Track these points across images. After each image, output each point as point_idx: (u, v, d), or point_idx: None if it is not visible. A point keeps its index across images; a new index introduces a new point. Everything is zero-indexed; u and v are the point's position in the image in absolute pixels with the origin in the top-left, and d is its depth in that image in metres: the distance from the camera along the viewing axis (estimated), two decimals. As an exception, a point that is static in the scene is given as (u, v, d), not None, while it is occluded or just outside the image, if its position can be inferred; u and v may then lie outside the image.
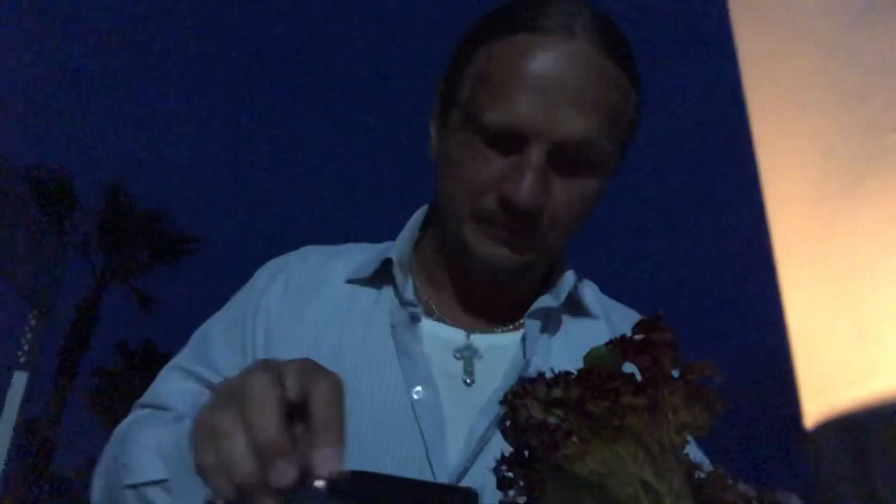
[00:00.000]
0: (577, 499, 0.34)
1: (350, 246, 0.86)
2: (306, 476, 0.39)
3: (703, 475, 0.36)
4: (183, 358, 0.79)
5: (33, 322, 2.87)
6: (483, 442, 0.66)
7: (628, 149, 0.74)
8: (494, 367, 0.72)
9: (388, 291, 0.76)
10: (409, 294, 0.74)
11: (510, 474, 0.38)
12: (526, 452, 0.38)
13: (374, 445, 0.66)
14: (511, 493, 0.38)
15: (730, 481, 0.36)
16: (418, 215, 0.83)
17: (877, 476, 0.16)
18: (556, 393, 0.35)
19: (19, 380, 2.72)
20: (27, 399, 2.72)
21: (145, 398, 0.77)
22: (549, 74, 0.64)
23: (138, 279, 16.92)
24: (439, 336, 0.74)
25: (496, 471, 0.39)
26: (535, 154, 0.64)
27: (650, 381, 0.34)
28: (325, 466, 0.39)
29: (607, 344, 0.37)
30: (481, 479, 0.63)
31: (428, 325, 0.74)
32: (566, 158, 0.66)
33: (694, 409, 0.35)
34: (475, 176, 0.67)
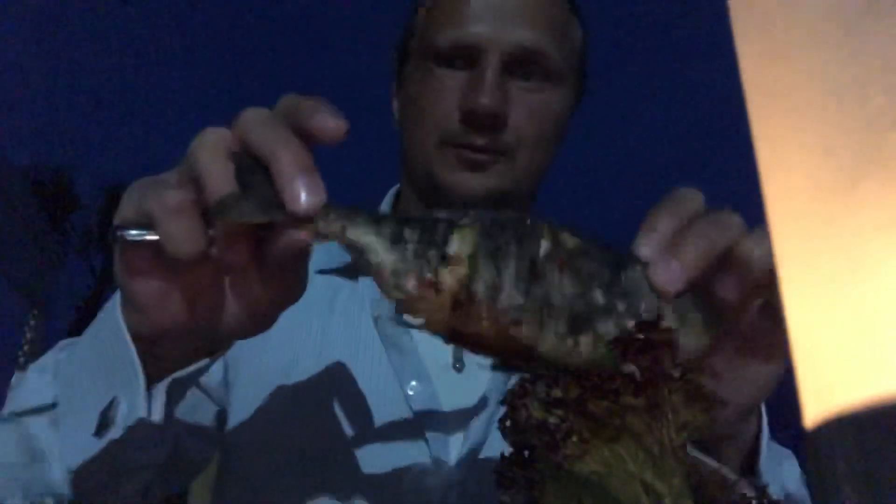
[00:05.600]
0: (577, 499, 0.34)
1: None
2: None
3: (703, 475, 0.36)
4: None
5: (33, 322, 2.87)
6: (483, 437, 0.64)
7: (585, 86, 0.76)
8: None
9: (365, 281, 0.72)
10: None
11: (510, 474, 0.38)
12: (526, 452, 0.38)
13: (372, 447, 0.63)
14: (511, 492, 0.38)
15: (730, 481, 0.36)
16: (388, 197, 0.80)
17: (878, 476, 0.16)
18: (556, 393, 0.35)
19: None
20: (27, 399, 2.71)
21: None
22: None
23: (138, 279, 16.83)
24: None
25: (496, 471, 0.39)
26: (490, 62, 0.65)
27: (650, 381, 0.34)
28: (307, 199, 0.35)
29: (607, 344, 0.37)
30: (484, 476, 0.61)
31: None
32: (520, 69, 0.67)
33: (694, 409, 0.35)
34: (436, 99, 0.68)
